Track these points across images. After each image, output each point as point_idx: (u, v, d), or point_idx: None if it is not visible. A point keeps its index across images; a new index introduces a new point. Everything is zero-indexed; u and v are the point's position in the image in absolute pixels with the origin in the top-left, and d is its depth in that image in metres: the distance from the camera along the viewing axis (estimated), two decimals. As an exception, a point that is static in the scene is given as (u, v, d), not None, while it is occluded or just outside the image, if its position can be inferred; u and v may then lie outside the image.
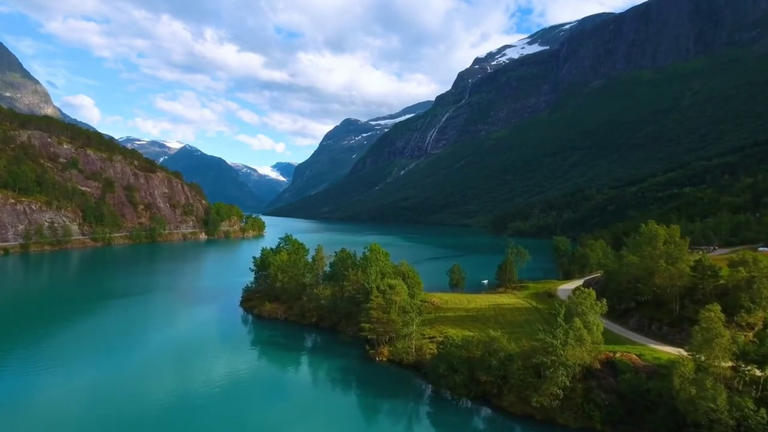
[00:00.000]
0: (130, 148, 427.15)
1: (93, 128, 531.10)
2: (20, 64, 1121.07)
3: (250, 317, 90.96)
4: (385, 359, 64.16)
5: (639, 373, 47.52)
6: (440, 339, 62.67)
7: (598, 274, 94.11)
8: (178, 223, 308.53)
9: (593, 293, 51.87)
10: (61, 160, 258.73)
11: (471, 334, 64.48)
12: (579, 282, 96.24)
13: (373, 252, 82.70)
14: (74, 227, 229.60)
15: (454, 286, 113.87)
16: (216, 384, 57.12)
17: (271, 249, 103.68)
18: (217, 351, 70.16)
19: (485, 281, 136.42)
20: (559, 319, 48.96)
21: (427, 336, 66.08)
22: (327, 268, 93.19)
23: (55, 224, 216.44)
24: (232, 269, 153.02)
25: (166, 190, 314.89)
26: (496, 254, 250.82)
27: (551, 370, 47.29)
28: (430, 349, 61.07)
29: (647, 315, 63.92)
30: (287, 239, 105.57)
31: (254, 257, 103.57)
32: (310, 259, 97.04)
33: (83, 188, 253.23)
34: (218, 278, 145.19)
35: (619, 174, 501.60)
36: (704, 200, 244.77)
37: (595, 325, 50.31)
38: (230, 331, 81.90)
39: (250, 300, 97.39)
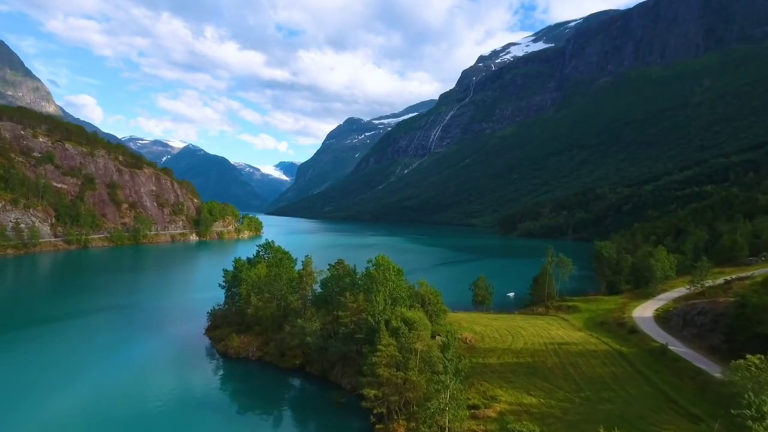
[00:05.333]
0: (133, 147, 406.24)
1: (96, 128, 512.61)
2: (22, 63, 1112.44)
3: (215, 352, 67.62)
4: (401, 442, 40.61)
5: None
6: (487, 412, 39.88)
7: (687, 291, 70.27)
8: (166, 223, 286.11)
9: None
10: (35, 154, 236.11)
11: (534, 401, 41.90)
12: (657, 303, 72.65)
13: (380, 268, 55.83)
14: (45, 228, 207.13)
15: (479, 304, 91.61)
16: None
17: (248, 259, 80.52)
18: (151, 420, 46.84)
19: (511, 294, 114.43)
20: (749, 416, 25.99)
21: (465, 400, 41.69)
22: (317, 287, 69.11)
23: (22, 225, 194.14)
24: (214, 278, 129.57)
25: (154, 188, 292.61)
26: (512, 258, 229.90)
27: None
28: (475, 433, 37.69)
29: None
30: (268, 246, 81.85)
31: (224, 270, 79.98)
32: (298, 271, 74.08)
33: (59, 185, 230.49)
34: (193, 290, 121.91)
35: (630, 172, 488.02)
36: (740, 199, 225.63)
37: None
38: (181, 379, 56.39)
39: (216, 328, 72.87)
